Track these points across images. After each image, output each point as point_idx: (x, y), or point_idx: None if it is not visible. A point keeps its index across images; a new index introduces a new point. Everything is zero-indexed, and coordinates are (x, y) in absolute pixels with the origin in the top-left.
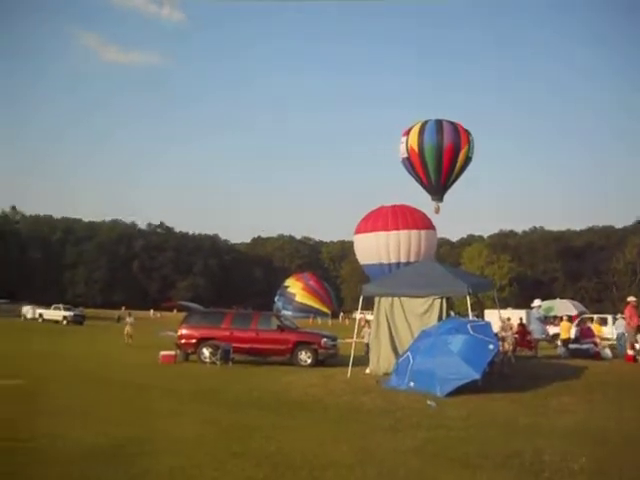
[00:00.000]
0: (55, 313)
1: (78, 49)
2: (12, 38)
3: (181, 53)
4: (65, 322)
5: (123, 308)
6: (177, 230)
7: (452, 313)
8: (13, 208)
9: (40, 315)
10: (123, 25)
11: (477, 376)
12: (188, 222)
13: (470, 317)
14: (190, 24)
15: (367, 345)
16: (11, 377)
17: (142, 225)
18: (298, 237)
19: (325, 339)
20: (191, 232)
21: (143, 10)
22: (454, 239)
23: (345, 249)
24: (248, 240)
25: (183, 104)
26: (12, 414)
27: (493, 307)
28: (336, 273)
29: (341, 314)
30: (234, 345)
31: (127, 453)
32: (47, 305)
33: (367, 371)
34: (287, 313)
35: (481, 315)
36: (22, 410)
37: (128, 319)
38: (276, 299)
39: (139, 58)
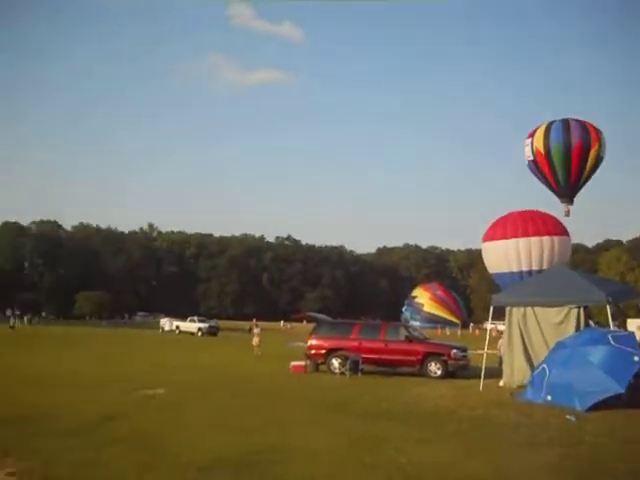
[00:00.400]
0: (191, 325)
1: (204, 70)
2: (155, 71)
3: (303, 68)
4: (200, 334)
5: (254, 320)
6: (304, 242)
7: (591, 323)
8: (150, 226)
9: (177, 327)
10: (245, 44)
11: (621, 390)
12: (314, 234)
13: (611, 327)
14: (308, 39)
15: (500, 357)
16: (155, 386)
17: (270, 238)
18: (424, 246)
19: (455, 350)
20: (318, 244)
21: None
22: (589, 244)
23: (473, 257)
24: (374, 250)
25: (309, 120)
26: (153, 423)
27: (637, 316)
28: (465, 282)
29: (471, 324)
30: (363, 356)
31: (260, 461)
32: (183, 317)
33: (500, 384)
34: (415, 323)
35: (623, 325)
36: (163, 418)
37: (255, 330)
38: (404, 309)
39: (263, 76)
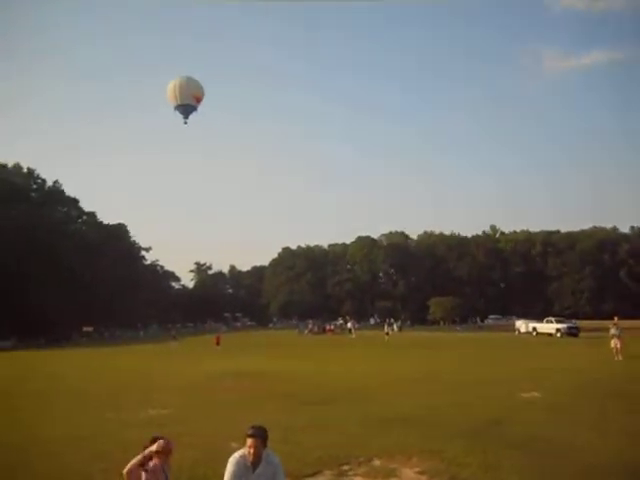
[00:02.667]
0: (548, 326)
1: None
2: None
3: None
4: (559, 335)
5: (615, 318)
6: None
7: None
8: (493, 227)
9: (534, 329)
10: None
11: None
12: None
13: None
14: None
15: None
16: (530, 390)
17: (624, 229)
18: None
19: None
20: None
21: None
22: None
23: None
24: None
25: None
26: (541, 427)
27: None
28: None
29: None
30: None
31: None
32: (536, 318)
33: None
34: None
35: None
36: (548, 422)
37: (613, 331)
38: None
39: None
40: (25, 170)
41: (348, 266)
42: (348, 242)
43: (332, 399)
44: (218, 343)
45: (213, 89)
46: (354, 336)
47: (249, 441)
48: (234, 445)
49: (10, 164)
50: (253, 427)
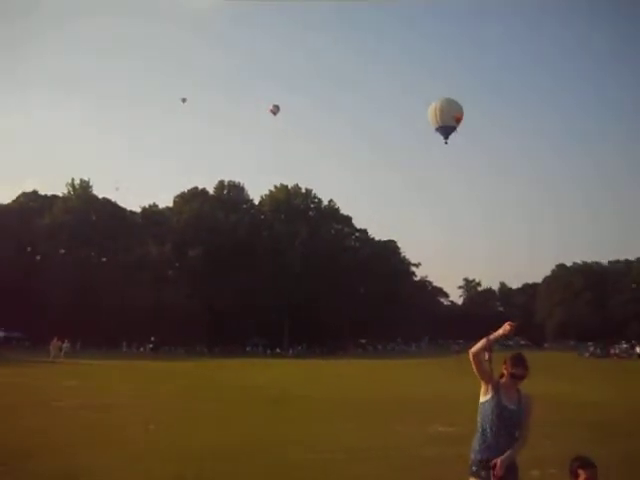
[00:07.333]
0: None
1: None
2: None
3: None
4: None
5: None
6: None
7: None
8: None
9: None
10: None
11: None
12: None
13: None
14: None
15: None
16: None
17: None
18: None
19: None
20: None
21: None
22: None
23: None
24: None
25: None
26: None
27: None
28: None
29: None
30: None
31: None
32: None
33: None
34: None
35: None
36: None
37: None
38: None
39: None
40: (303, 191)
41: (633, 285)
42: (632, 258)
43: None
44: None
45: None
46: None
47: (582, 473)
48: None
49: (290, 185)
50: (580, 458)
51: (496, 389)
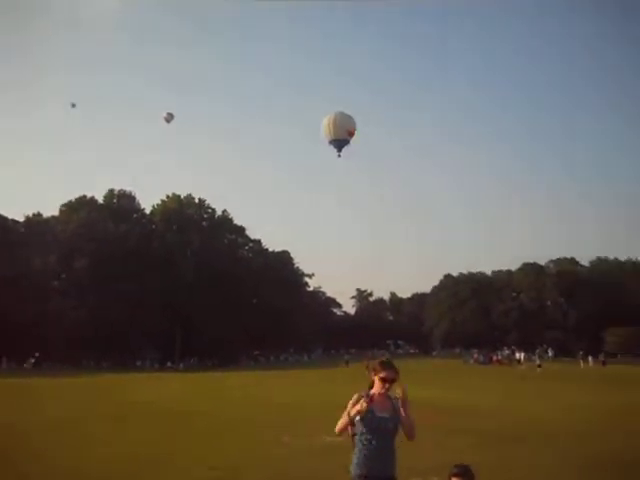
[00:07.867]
0: None
1: None
2: None
3: None
4: None
5: None
6: None
7: None
8: None
9: None
10: None
11: None
12: None
13: None
14: None
15: None
16: None
17: None
18: None
19: None
20: None
21: None
22: None
23: None
24: None
25: None
26: None
27: None
28: None
29: None
30: None
31: None
32: None
33: None
34: None
35: None
36: None
37: None
38: None
39: None
40: (196, 200)
41: (514, 294)
42: (513, 269)
43: (521, 436)
44: None
45: None
46: (524, 367)
47: None
48: None
49: (182, 195)
50: (457, 466)
51: (368, 404)
